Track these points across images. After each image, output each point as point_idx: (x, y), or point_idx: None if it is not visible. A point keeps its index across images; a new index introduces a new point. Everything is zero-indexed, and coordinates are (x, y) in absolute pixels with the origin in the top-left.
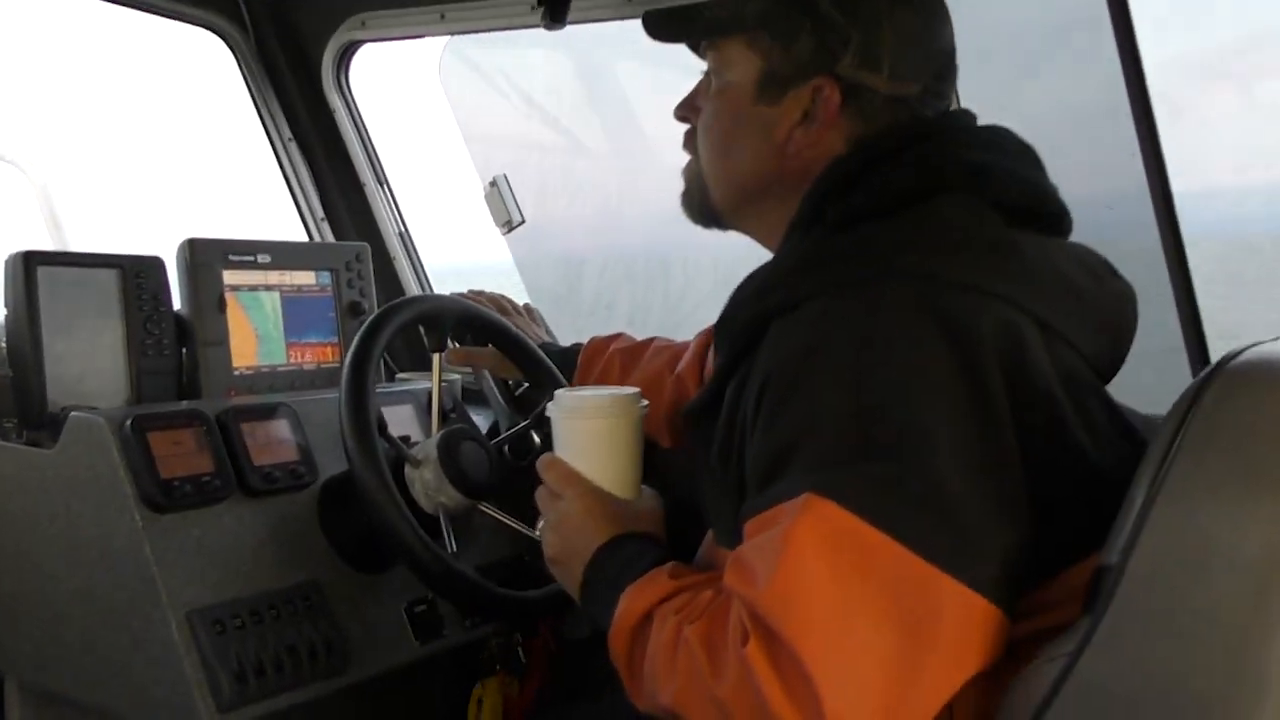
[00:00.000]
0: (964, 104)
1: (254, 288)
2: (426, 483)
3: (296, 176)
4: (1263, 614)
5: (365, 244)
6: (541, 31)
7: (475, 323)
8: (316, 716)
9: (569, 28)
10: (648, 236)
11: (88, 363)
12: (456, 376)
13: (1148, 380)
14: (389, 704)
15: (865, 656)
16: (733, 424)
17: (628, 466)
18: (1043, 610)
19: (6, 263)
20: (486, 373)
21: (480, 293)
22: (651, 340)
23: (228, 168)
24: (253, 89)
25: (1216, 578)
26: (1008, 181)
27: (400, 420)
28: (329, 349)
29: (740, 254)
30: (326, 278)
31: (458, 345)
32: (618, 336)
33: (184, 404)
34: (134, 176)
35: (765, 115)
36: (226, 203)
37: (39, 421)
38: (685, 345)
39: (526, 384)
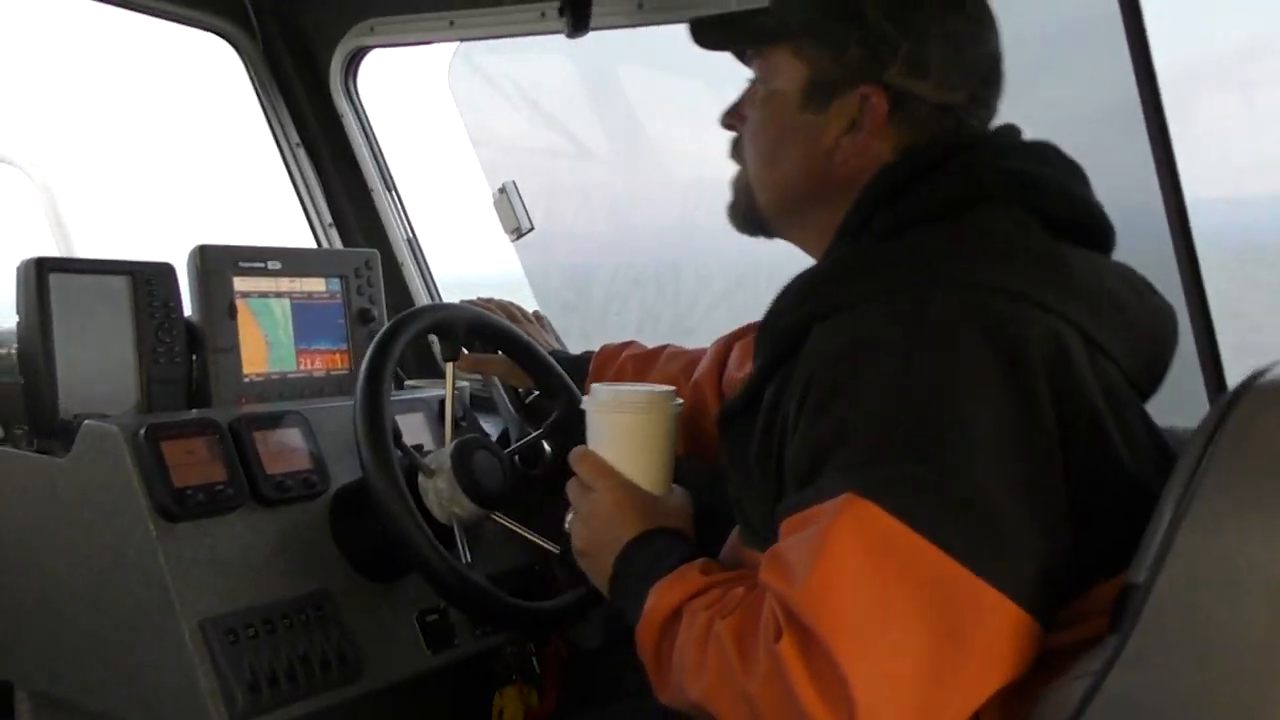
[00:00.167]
0: None
1: (264, 294)
2: (440, 492)
3: (304, 182)
4: None
5: (375, 250)
6: (550, 38)
7: (486, 330)
8: None
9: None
10: (658, 243)
11: (98, 370)
12: (465, 384)
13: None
14: (401, 713)
15: (899, 657)
16: (771, 426)
17: (660, 463)
18: (1080, 621)
19: (19, 270)
20: (496, 380)
21: (490, 300)
22: (664, 348)
23: (234, 173)
24: (261, 94)
25: (1243, 599)
26: (1059, 195)
27: (412, 428)
28: (339, 356)
29: (751, 262)
30: (336, 284)
31: (467, 352)
32: (629, 344)
33: (196, 412)
34: (140, 181)
35: (812, 123)
36: (232, 208)
37: (50, 429)
38: (699, 353)
39: (537, 391)
